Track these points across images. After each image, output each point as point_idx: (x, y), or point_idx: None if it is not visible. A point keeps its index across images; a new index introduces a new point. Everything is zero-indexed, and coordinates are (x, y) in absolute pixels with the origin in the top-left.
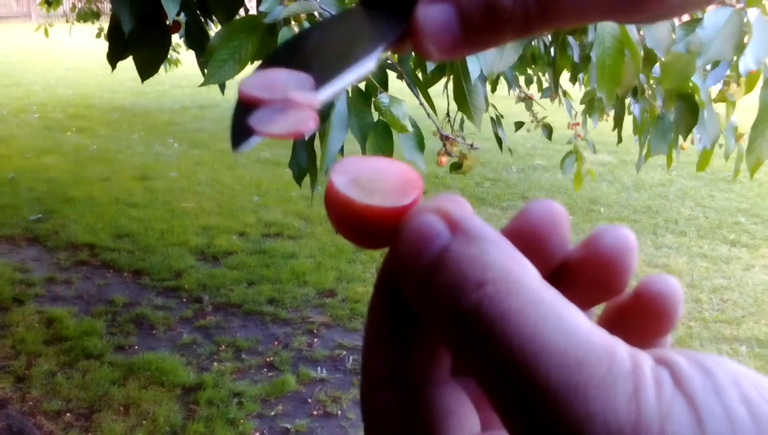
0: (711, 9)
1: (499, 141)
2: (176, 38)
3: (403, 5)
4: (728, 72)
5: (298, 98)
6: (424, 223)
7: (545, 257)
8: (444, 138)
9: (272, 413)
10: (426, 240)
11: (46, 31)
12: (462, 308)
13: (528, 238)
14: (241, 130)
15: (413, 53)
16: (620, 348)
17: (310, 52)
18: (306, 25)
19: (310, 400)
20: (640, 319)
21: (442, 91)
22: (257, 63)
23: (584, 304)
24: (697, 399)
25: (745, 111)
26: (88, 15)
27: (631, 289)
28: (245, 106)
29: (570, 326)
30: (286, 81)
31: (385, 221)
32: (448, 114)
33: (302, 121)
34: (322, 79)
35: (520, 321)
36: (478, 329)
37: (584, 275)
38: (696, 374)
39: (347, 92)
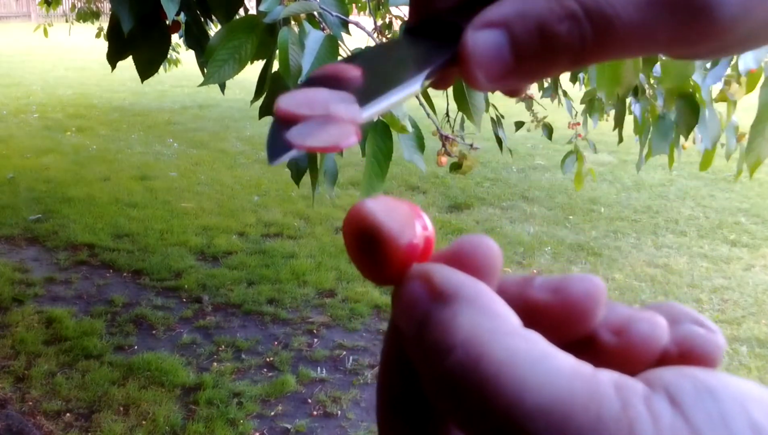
0: None
1: (500, 141)
2: (176, 38)
3: (451, 33)
4: (729, 71)
5: (339, 113)
6: (408, 291)
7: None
8: (444, 138)
9: (272, 413)
10: (411, 307)
11: (45, 31)
12: (439, 375)
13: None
14: (277, 144)
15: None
16: (605, 387)
17: (351, 76)
18: (306, 25)
19: (310, 400)
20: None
21: (441, 91)
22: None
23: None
24: (701, 428)
25: (746, 111)
26: (87, 15)
27: (672, 344)
28: (283, 123)
29: (550, 378)
30: (327, 98)
31: (392, 256)
32: (447, 114)
33: (343, 135)
34: (365, 98)
35: (499, 384)
36: (459, 395)
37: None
38: (700, 400)
39: None
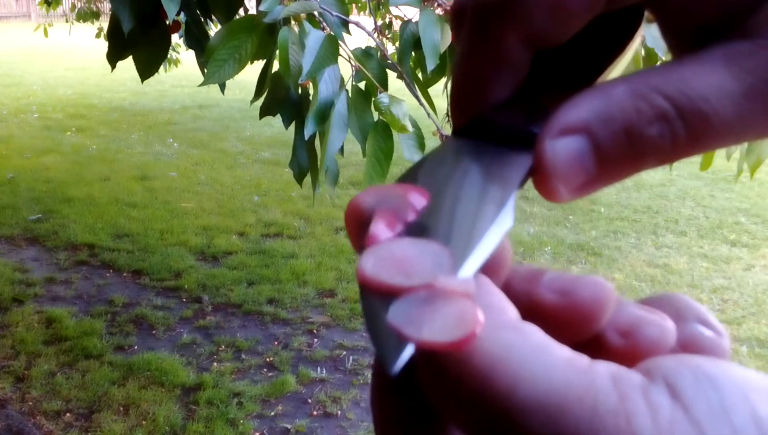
0: None
1: None
2: (176, 38)
3: (510, 136)
4: None
5: (448, 285)
6: None
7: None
8: (444, 138)
9: (272, 413)
10: None
11: (45, 31)
12: (432, 369)
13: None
14: (386, 338)
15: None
16: (601, 379)
17: (426, 209)
18: (306, 25)
19: (310, 400)
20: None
21: (442, 91)
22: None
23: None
24: (701, 421)
25: None
26: (87, 15)
27: (678, 344)
28: (374, 295)
29: (544, 371)
30: (418, 257)
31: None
32: (447, 114)
33: (466, 319)
34: (457, 248)
35: (492, 379)
36: (451, 390)
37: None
38: (700, 390)
39: (347, 92)
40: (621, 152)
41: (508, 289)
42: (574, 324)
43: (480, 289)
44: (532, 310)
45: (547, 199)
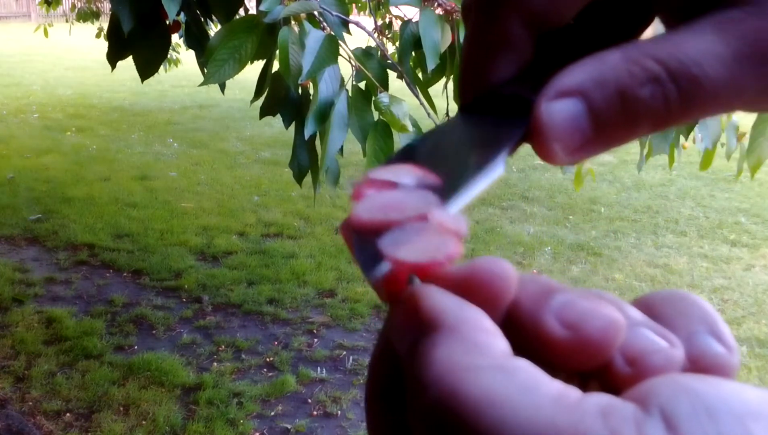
0: None
1: None
2: (176, 38)
3: (513, 106)
4: None
5: (440, 217)
6: (398, 314)
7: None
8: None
9: (272, 413)
10: (400, 332)
11: (45, 31)
12: (417, 412)
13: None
14: (368, 254)
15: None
16: (591, 417)
17: (423, 165)
18: (306, 25)
19: (310, 400)
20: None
21: (442, 91)
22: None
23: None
24: None
25: None
26: (87, 15)
27: (686, 358)
28: (366, 234)
29: (531, 413)
30: (406, 199)
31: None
32: (447, 114)
33: (443, 245)
34: (447, 193)
35: (477, 424)
36: (440, 432)
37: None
38: (697, 422)
39: (347, 91)
40: (615, 114)
41: (516, 308)
42: (580, 358)
43: (466, 326)
44: (537, 339)
45: (546, 161)
